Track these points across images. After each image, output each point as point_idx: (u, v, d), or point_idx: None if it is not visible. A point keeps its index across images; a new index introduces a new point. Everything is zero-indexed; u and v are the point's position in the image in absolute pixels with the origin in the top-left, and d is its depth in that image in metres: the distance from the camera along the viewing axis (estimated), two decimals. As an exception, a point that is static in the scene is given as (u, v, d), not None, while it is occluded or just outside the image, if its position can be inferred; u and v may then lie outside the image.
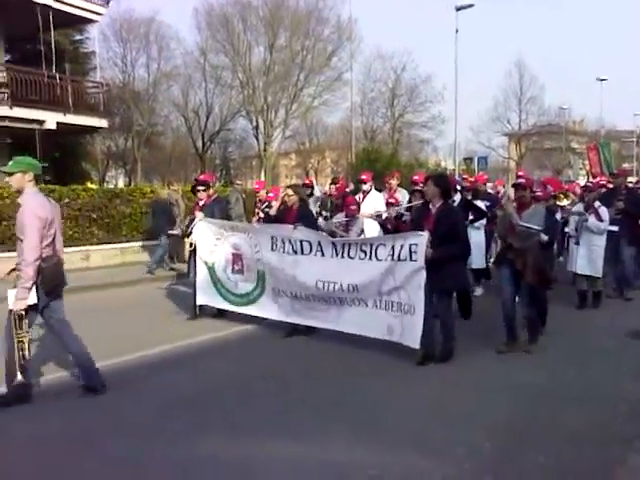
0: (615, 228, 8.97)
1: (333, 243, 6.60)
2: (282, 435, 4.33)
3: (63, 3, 18.93)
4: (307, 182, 12.59)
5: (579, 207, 9.00)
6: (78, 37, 27.27)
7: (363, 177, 10.14)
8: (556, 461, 3.96)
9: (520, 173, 13.01)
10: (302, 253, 6.78)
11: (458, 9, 29.22)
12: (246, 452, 4.08)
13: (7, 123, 17.36)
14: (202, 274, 7.87)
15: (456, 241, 5.84)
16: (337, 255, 6.48)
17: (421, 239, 5.71)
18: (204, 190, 8.29)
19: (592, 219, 8.58)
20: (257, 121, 38.81)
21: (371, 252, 6.17)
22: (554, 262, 8.54)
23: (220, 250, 7.69)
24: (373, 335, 6.20)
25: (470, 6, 29.16)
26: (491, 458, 4.01)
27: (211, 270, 7.80)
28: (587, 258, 8.68)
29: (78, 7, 19.70)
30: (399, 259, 5.88)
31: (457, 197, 8.48)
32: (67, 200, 13.19)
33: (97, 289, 10.80)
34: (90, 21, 21.71)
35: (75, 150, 26.36)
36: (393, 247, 5.95)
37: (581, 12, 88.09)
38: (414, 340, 5.76)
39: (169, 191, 14.03)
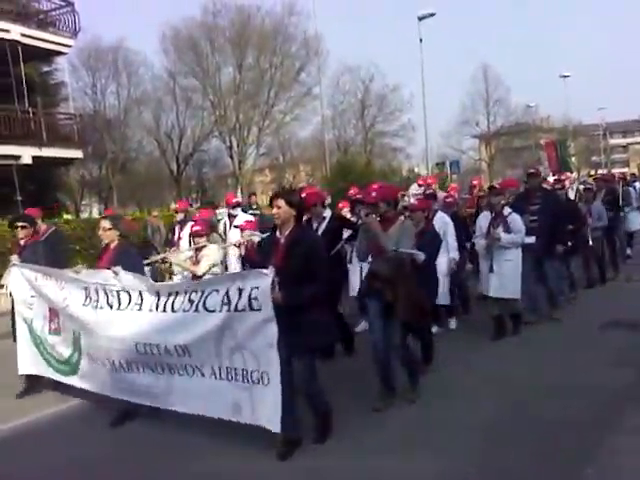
0: (532, 239, 7.41)
1: (157, 292, 4.94)
2: None
3: (32, 38, 19.06)
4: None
5: (485, 217, 7.37)
6: (46, 69, 27.28)
7: (232, 199, 9.25)
8: (538, 450, 4.24)
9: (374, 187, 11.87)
10: (119, 307, 5.15)
11: (420, 18, 29.77)
12: None
13: (-17, 160, 17.39)
14: (23, 334, 6.28)
15: (314, 279, 4.30)
16: (158, 308, 4.88)
17: (263, 280, 4.19)
18: (24, 227, 6.62)
19: (501, 232, 7.01)
20: (230, 140, 39.04)
21: (199, 301, 4.57)
22: (437, 285, 6.69)
23: (37, 304, 6.11)
24: (217, 415, 4.63)
25: (432, 15, 29.73)
26: (474, 454, 4.26)
27: (31, 328, 6.22)
28: (500, 277, 7.07)
29: (47, 40, 19.86)
30: (237, 309, 4.33)
31: (327, 213, 7.08)
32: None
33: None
34: (59, 53, 21.84)
35: (50, 182, 26.29)
36: (228, 292, 4.38)
37: (542, 12, 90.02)
38: (270, 419, 4.25)
39: (149, 218, 14.15)
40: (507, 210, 7.21)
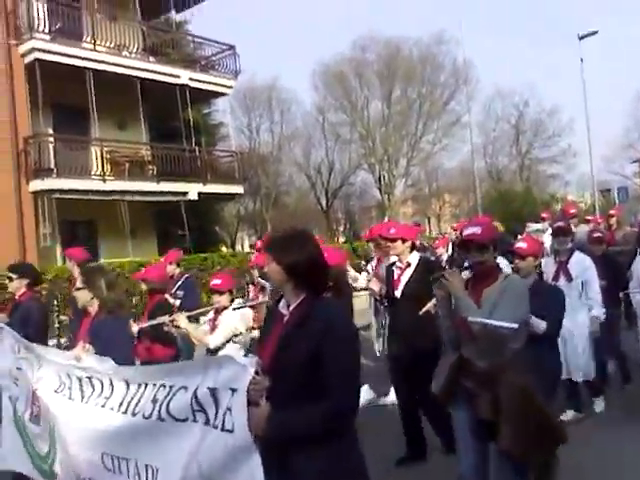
0: None
1: (126, 381, 3.27)
2: None
3: (198, 81, 20.17)
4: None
5: None
6: (207, 110, 28.99)
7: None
8: None
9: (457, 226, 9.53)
10: (89, 398, 3.54)
11: (581, 38, 28.17)
12: None
13: (155, 198, 18.48)
14: (7, 416, 4.71)
15: (328, 394, 2.38)
16: (121, 406, 3.20)
17: (240, 379, 2.46)
18: (10, 279, 5.16)
19: None
20: (379, 172, 39.14)
21: (163, 403, 2.87)
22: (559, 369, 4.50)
23: (22, 379, 4.53)
24: None
25: (594, 33, 28.05)
26: None
27: (15, 410, 4.64)
28: None
29: (211, 83, 20.92)
30: (208, 423, 2.62)
31: (413, 258, 5.13)
32: (219, 267, 13.74)
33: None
34: (221, 94, 22.92)
35: (210, 216, 27.67)
36: (196, 392, 2.68)
37: None
38: None
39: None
40: None
